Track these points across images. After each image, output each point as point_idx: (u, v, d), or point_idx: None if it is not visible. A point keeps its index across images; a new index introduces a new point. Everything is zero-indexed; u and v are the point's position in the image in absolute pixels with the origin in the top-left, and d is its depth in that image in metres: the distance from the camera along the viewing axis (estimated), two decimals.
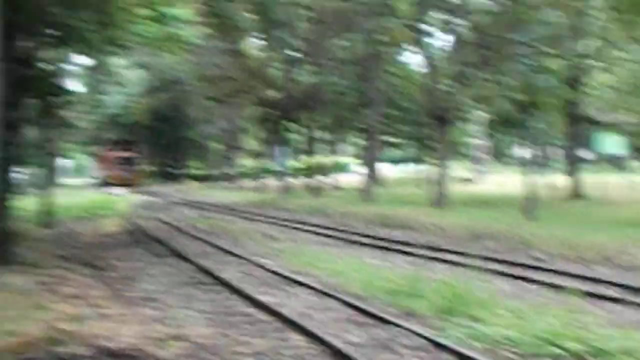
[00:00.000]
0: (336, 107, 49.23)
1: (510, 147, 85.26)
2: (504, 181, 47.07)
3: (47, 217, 28.13)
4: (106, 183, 74.81)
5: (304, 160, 59.76)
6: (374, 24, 37.08)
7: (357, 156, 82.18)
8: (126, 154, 79.14)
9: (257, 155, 67.73)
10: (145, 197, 48.98)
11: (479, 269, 13.97)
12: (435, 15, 38.34)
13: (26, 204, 23.69)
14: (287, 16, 41.85)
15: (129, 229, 28.71)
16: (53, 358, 7.04)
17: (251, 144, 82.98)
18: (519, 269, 17.05)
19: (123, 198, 49.37)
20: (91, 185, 78.01)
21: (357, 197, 38.18)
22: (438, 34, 43.08)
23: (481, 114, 54.06)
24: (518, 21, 32.29)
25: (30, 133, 27.32)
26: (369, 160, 39.71)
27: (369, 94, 38.83)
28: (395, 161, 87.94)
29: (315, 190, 45.49)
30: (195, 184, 75.27)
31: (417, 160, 59.77)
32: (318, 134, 50.70)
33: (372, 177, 41.82)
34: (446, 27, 36.54)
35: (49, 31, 21.19)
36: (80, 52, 27.59)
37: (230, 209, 39.38)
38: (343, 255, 19.49)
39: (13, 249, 16.53)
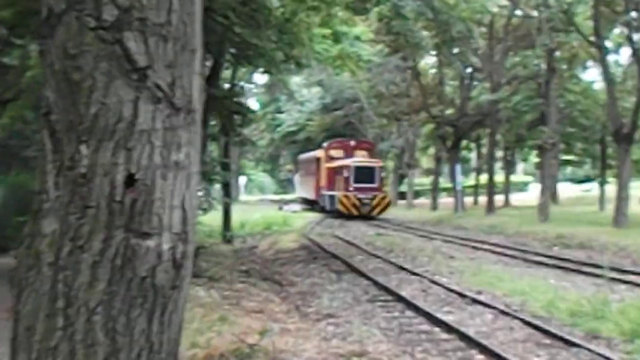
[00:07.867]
0: (513, 125, 48.39)
1: None
2: None
3: (227, 233, 28.93)
4: (318, 207, 52.21)
5: (478, 178, 59.01)
6: (553, 40, 36.04)
7: (533, 174, 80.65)
8: (367, 162, 48.72)
9: (431, 172, 67.20)
10: (319, 214, 49.48)
11: None
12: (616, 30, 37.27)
13: (208, 219, 24.39)
14: (466, 33, 41.36)
15: (305, 245, 29.07)
16: None
17: (425, 161, 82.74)
18: None
19: (299, 215, 50.12)
20: (271, 202, 73.09)
21: (534, 216, 37.26)
22: (618, 49, 41.80)
23: None
24: None
25: (213, 150, 28.22)
26: (545, 178, 38.63)
27: (547, 111, 37.84)
28: (573, 180, 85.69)
29: (491, 209, 44.79)
30: None
31: (595, 179, 57.82)
32: (494, 151, 49.80)
33: (549, 195, 40.68)
34: (626, 42, 35.24)
35: (233, 50, 21.84)
36: (262, 71, 28.28)
37: (405, 226, 39.28)
38: (523, 274, 19.11)
39: (200, 263, 17.06)
